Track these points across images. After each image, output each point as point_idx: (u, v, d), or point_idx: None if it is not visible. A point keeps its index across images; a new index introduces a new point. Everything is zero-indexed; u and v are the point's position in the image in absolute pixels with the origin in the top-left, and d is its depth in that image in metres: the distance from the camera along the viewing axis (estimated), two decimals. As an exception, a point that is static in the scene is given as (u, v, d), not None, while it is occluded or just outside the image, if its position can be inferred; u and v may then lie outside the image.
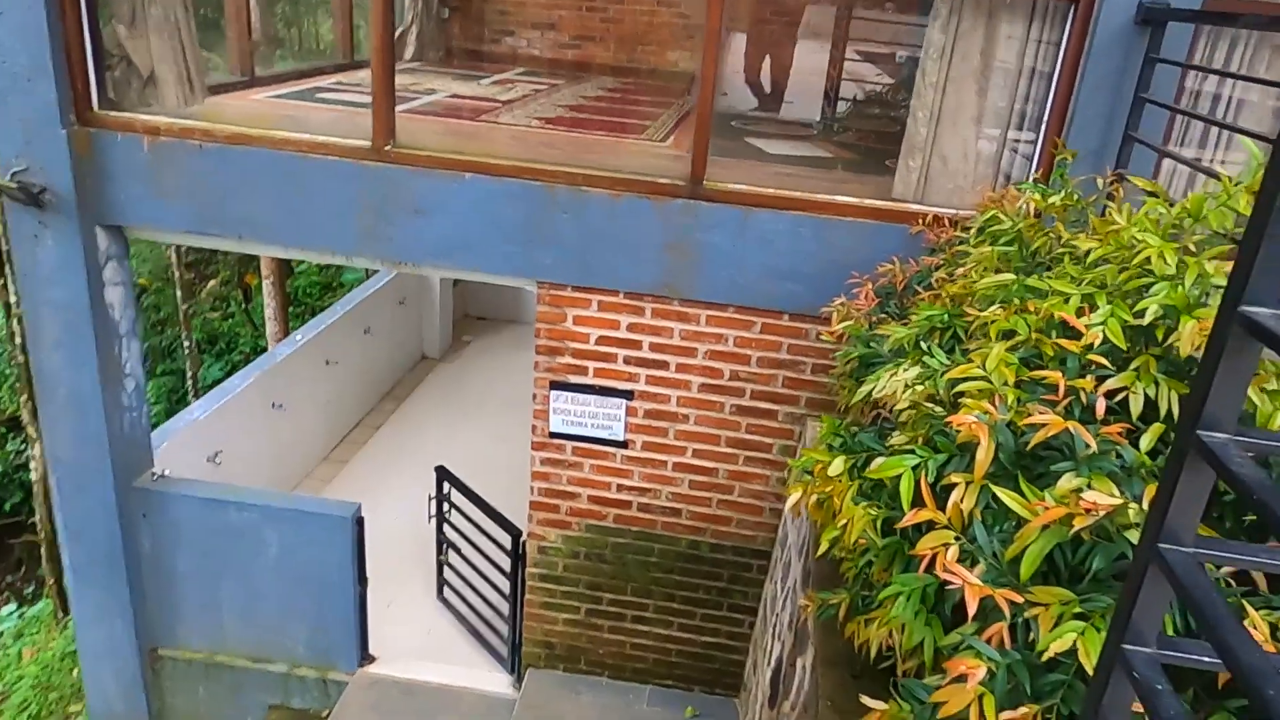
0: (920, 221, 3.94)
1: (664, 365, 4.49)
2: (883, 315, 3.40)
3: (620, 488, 4.79)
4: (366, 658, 5.48)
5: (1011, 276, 2.22)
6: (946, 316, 2.65)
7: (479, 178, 4.24)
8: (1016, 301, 2.15)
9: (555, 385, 4.60)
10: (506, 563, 5.23)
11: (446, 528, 5.83)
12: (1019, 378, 1.95)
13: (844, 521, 2.23)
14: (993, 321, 2.08)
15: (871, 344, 3.04)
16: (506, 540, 5.15)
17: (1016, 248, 2.56)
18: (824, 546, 2.34)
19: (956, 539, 1.77)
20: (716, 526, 4.83)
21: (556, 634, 5.21)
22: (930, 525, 1.90)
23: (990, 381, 1.95)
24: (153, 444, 5.39)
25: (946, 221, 3.84)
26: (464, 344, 10.40)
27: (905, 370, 2.35)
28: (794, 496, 2.47)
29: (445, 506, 5.77)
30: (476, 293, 11.01)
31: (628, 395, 4.57)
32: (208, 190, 4.41)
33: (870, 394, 2.55)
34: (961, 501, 1.84)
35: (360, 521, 5.12)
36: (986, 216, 2.65)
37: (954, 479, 1.88)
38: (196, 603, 5.39)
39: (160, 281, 14.47)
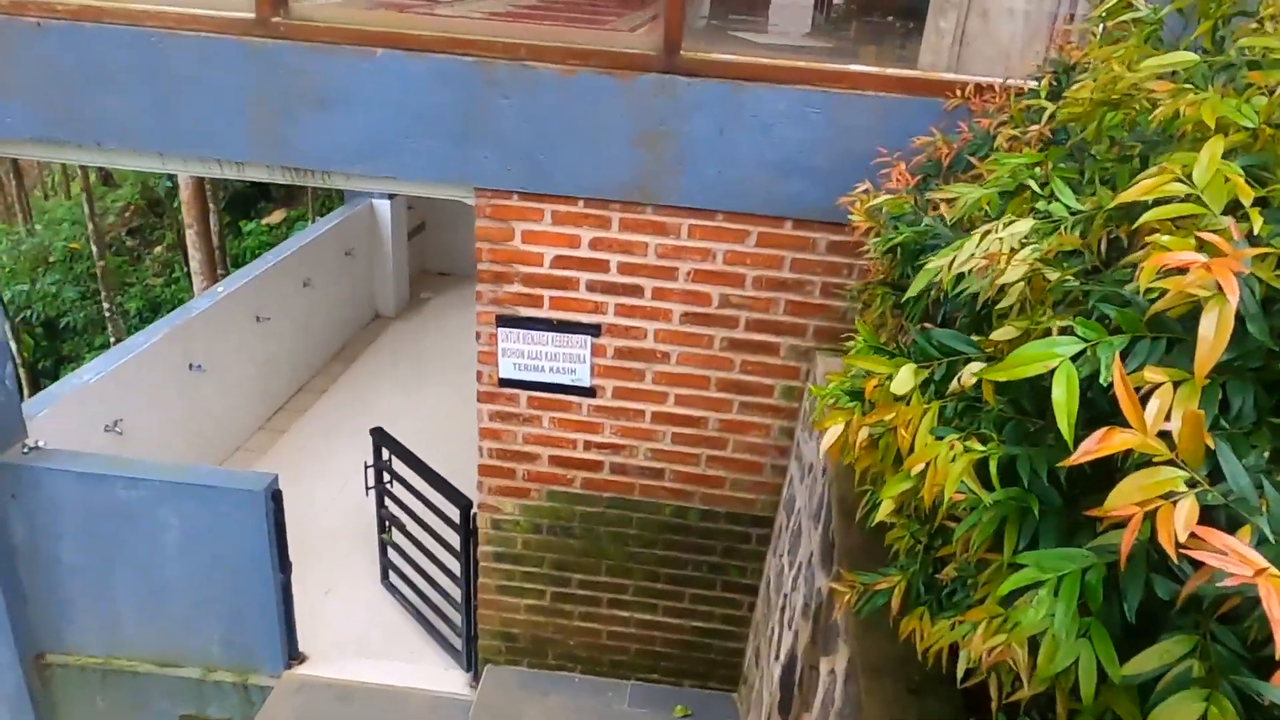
0: (959, 93, 3.07)
1: (637, 291, 3.61)
2: (928, 198, 2.54)
3: (588, 445, 3.92)
4: (295, 657, 4.62)
5: (1192, 56, 1.35)
6: (1037, 172, 1.78)
7: (396, 55, 3.31)
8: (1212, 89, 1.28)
9: (503, 320, 3.71)
10: (456, 540, 4.38)
11: (388, 501, 4.96)
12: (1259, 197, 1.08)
13: (919, 466, 1.38)
14: (1181, 114, 1.21)
15: (924, 224, 2.18)
16: (455, 513, 4.29)
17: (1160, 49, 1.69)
18: (887, 507, 1.48)
19: (1191, 485, 0.91)
20: (706, 489, 3.97)
21: (518, 623, 4.36)
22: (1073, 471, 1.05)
23: (1203, 203, 1.08)
24: (27, 412, 4.49)
25: (996, 88, 2.98)
26: (422, 301, 9.47)
27: (1005, 228, 1.48)
28: (831, 432, 1.60)
29: (385, 476, 4.89)
30: (437, 245, 10.07)
31: (593, 330, 3.69)
32: (54, 84, 3.46)
33: (938, 276, 1.68)
34: (1168, 414, 0.98)
35: (277, 496, 4.23)
36: (1109, 5, 1.77)
37: (1151, 376, 1.02)
38: (88, 599, 4.50)
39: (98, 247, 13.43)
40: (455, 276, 10.05)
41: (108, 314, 8.63)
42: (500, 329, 3.72)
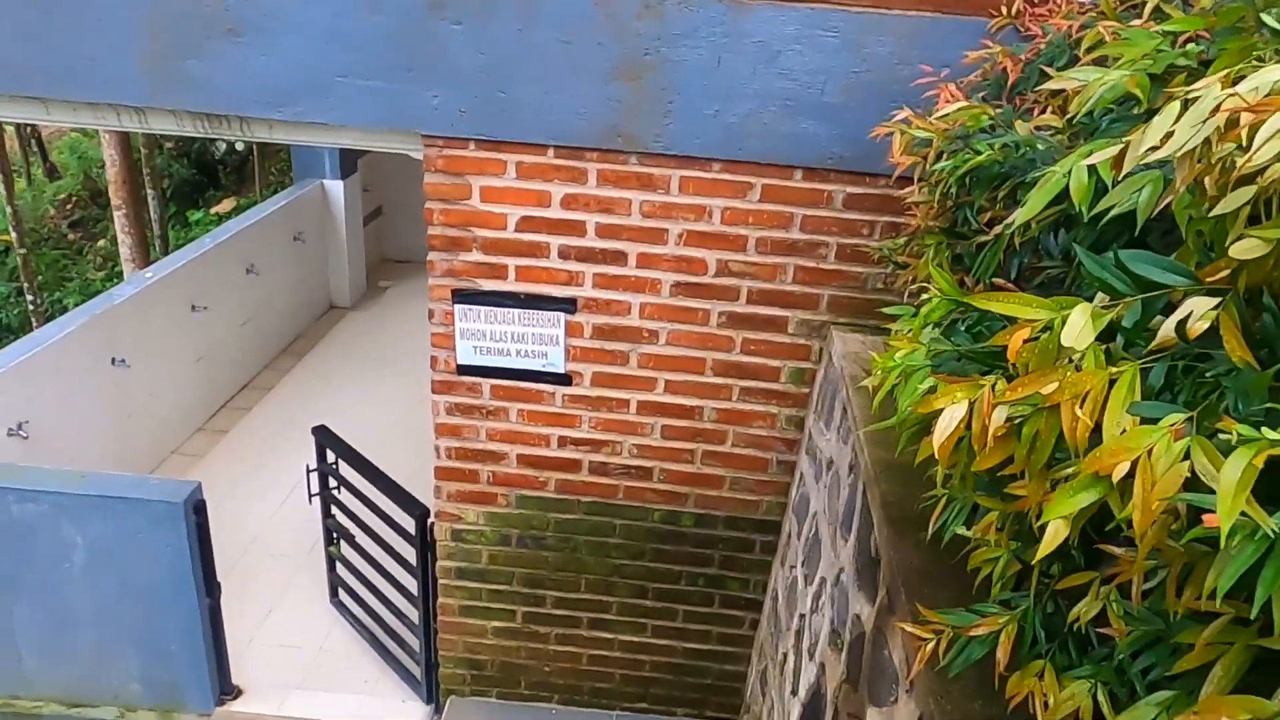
0: (1005, 10, 2.55)
1: (620, 258, 3.05)
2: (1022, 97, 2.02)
3: (563, 441, 3.36)
4: (228, 692, 4.01)
5: None
6: (1190, 48, 1.25)
7: (320, -29, 2.73)
8: None
9: (461, 295, 3.13)
10: (412, 554, 3.79)
11: (336, 509, 4.35)
12: None
13: (1122, 465, 0.83)
14: None
15: (1014, 139, 1.64)
16: (410, 523, 3.71)
17: None
18: (1058, 532, 0.93)
19: None
20: (702, 490, 3.43)
21: (485, 648, 3.79)
22: None
23: None
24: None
25: (1057, 2, 2.46)
26: (381, 290, 8.83)
27: (1240, 84, 0.94)
28: (948, 416, 1.05)
29: (332, 481, 4.29)
30: (396, 231, 9.42)
31: (568, 305, 3.12)
32: (-96, 12, 2.85)
33: (1068, 184, 1.13)
34: None
35: (200, 507, 3.62)
36: None
37: None
38: (-18, 632, 3.87)
39: (35, 238, 12.67)
40: (416, 264, 9.38)
41: (32, 308, 7.87)
42: (457, 305, 3.14)
